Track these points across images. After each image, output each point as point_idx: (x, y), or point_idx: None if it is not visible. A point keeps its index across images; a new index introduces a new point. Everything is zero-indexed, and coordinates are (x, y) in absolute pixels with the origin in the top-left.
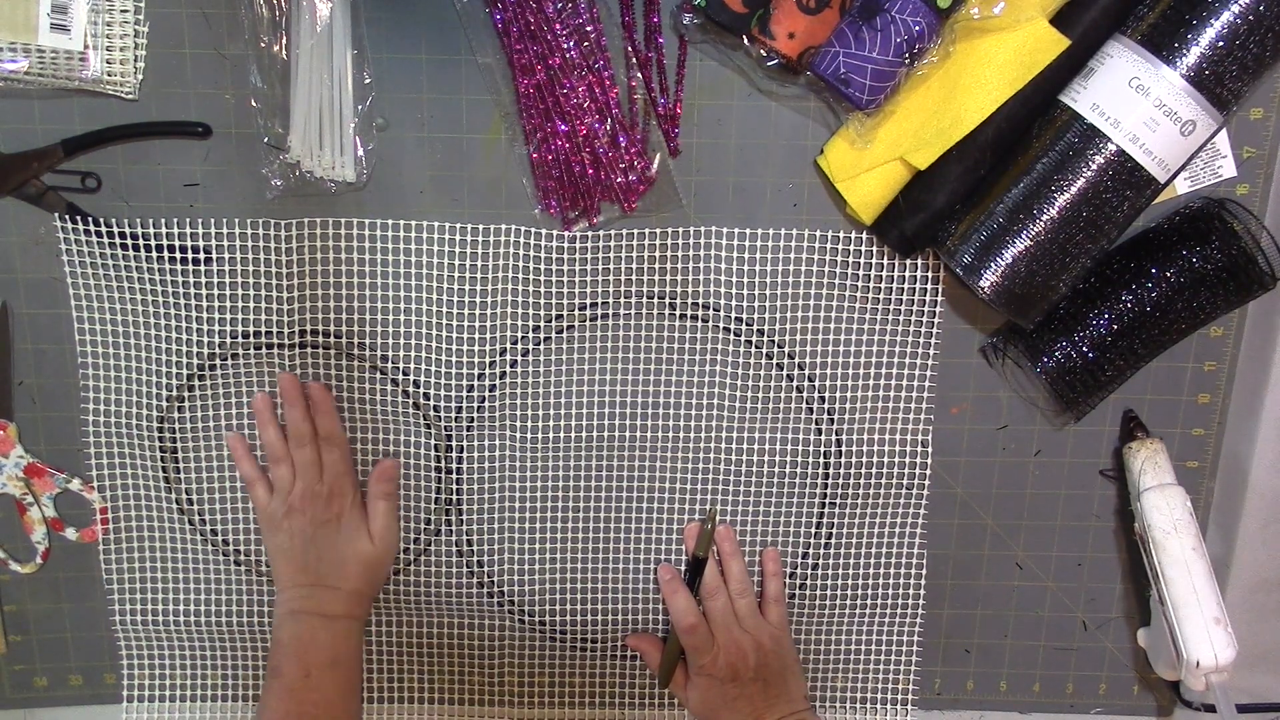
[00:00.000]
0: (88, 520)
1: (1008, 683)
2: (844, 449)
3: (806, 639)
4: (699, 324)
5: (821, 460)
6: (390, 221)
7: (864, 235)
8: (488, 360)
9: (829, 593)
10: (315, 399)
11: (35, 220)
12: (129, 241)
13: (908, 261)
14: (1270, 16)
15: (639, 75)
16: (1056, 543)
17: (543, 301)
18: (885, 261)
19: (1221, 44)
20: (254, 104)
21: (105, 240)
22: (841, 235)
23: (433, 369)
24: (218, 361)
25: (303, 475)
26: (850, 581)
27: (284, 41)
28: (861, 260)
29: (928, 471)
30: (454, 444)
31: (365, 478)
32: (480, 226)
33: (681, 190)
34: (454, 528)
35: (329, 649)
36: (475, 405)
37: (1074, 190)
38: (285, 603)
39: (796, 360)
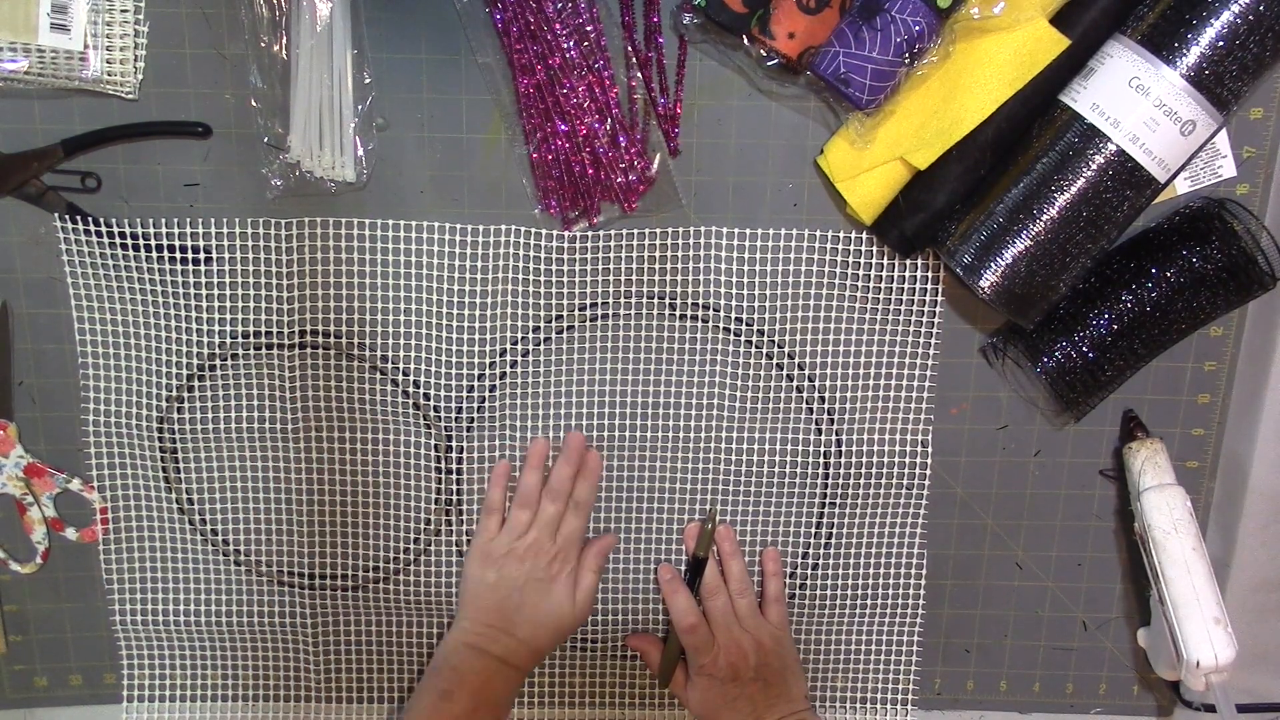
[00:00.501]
0: (88, 520)
1: (1008, 683)
2: (844, 449)
3: (806, 639)
4: (699, 324)
5: (821, 460)
6: (390, 221)
7: (864, 235)
8: (488, 360)
9: (829, 593)
10: (588, 465)
11: (35, 220)
12: (129, 241)
13: (908, 261)
14: (1270, 16)
15: (639, 75)
16: (1056, 543)
17: (543, 301)
18: (885, 261)
19: (1221, 44)
20: (254, 104)
21: (105, 240)
22: (841, 235)
23: (433, 369)
24: (218, 361)
25: (539, 528)
26: (850, 581)
27: (284, 41)
28: (861, 260)
29: (928, 471)
30: (454, 444)
31: (355, 477)
32: (480, 226)
33: (681, 190)
34: (454, 528)
35: (499, 693)
36: (475, 405)
37: (1074, 190)
38: (466, 634)
39: (796, 360)
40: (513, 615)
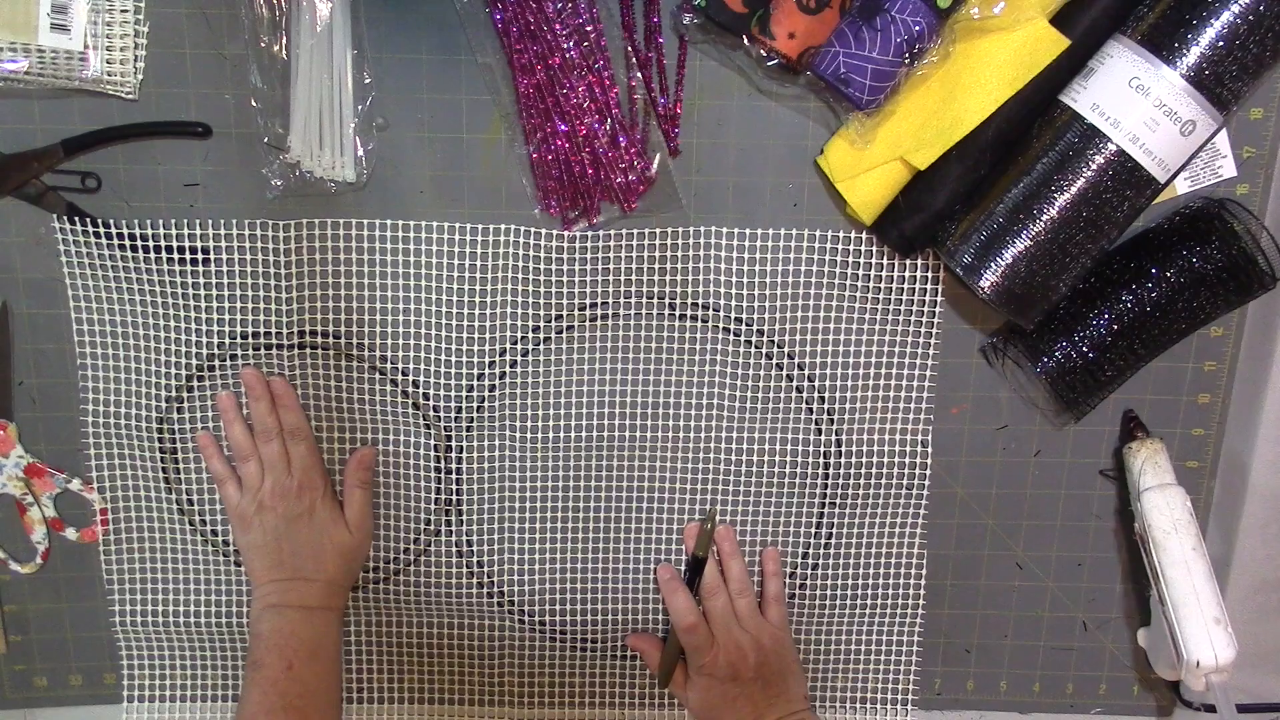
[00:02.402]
0: (88, 520)
1: (1008, 683)
2: (844, 449)
3: (806, 639)
4: (699, 324)
5: (821, 460)
6: (390, 221)
7: (864, 235)
8: (488, 360)
9: (829, 593)
10: (279, 393)
11: (35, 220)
12: (129, 242)
13: (908, 261)
14: (1270, 16)
15: (639, 75)
16: (1056, 543)
17: (543, 301)
18: (885, 261)
19: (1221, 44)
20: (254, 104)
21: (105, 240)
22: (841, 235)
23: (433, 369)
24: (217, 362)
25: (271, 470)
26: (850, 581)
27: (284, 41)
28: (861, 260)
29: (928, 471)
30: (454, 444)
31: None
32: (480, 226)
33: (681, 190)
34: (454, 528)
35: (309, 641)
36: (475, 405)
37: (1074, 190)
38: (262, 598)
39: (796, 360)
40: (291, 560)
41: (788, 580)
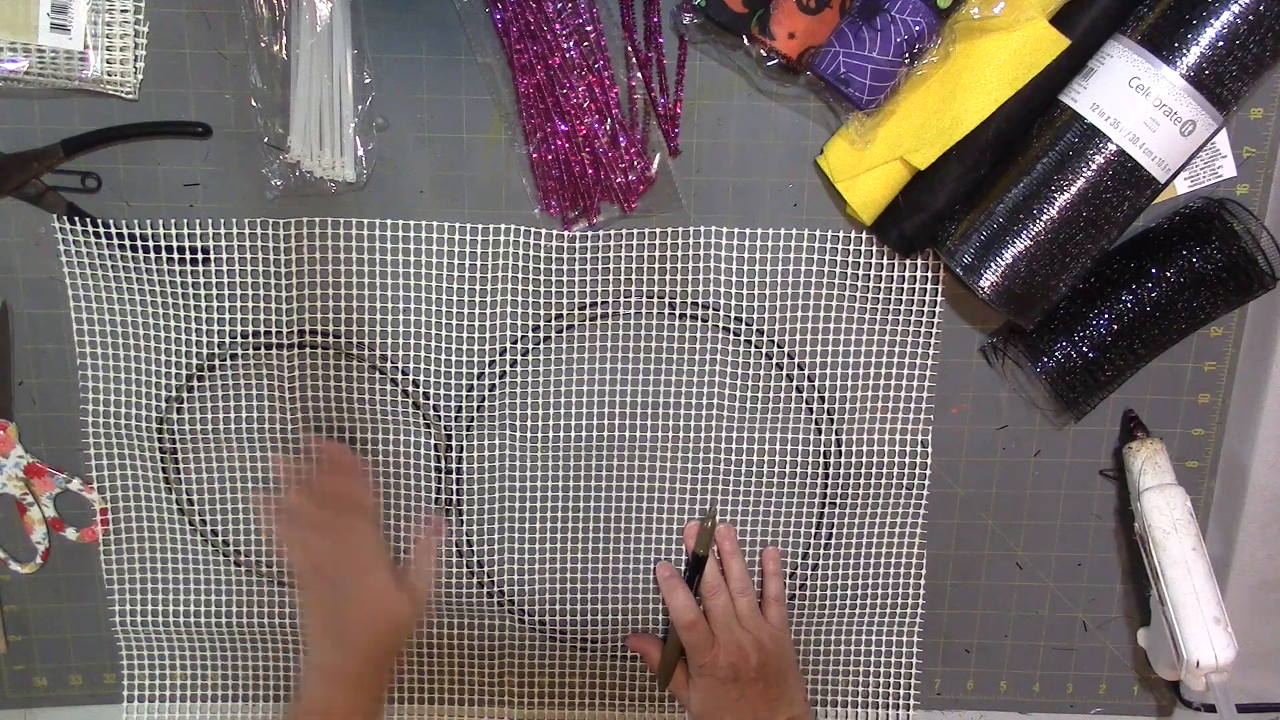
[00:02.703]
0: (88, 520)
1: (1008, 683)
2: (844, 449)
3: (806, 639)
4: (699, 324)
5: (821, 460)
6: (390, 221)
7: (864, 235)
8: (488, 360)
9: (829, 593)
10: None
11: (35, 220)
12: (129, 241)
13: (908, 261)
14: (1270, 16)
15: (639, 75)
16: (1056, 543)
17: (543, 301)
18: (885, 261)
19: (1221, 44)
20: (254, 104)
21: (105, 240)
22: (841, 235)
23: (433, 369)
24: (218, 361)
25: None
26: (850, 581)
27: (284, 41)
28: (861, 260)
29: (928, 471)
30: (454, 444)
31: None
32: (480, 226)
33: (681, 190)
34: (454, 528)
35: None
36: (475, 405)
37: (1074, 190)
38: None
39: (796, 360)
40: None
41: (788, 580)
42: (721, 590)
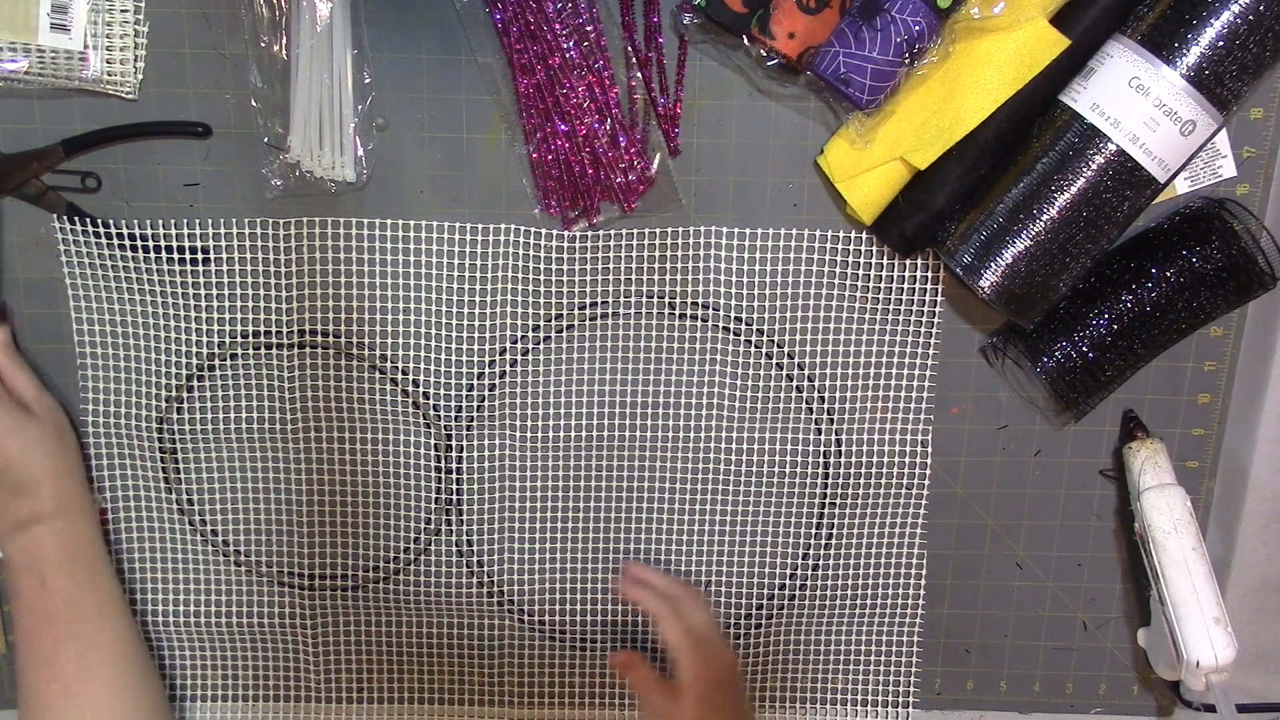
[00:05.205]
0: None
1: (1008, 683)
2: (844, 449)
3: (806, 639)
4: (699, 324)
5: (821, 460)
6: (390, 221)
7: (864, 235)
8: (488, 360)
9: (829, 593)
10: None
11: (35, 220)
12: (129, 241)
13: (908, 261)
14: (1270, 16)
15: (639, 75)
16: (1056, 543)
17: (543, 301)
18: (885, 261)
19: (1221, 44)
20: (254, 104)
21: (105, 240)
22: (841, 235)
23: (433, 369)
24: (218, 361)
25: None
26: (850, 581)
27: (284, 41)
28: (861, 260)
29: (928, 471)
30: (454, 444)
31: (355, 477)
32: (480, 226)
33: (681, 190)
34: (454, 528)
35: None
36: (475, 405)
37: (1074, 190)
38: None
39: (796, 360)
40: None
41: (788, 581)
42: (674, 625)
